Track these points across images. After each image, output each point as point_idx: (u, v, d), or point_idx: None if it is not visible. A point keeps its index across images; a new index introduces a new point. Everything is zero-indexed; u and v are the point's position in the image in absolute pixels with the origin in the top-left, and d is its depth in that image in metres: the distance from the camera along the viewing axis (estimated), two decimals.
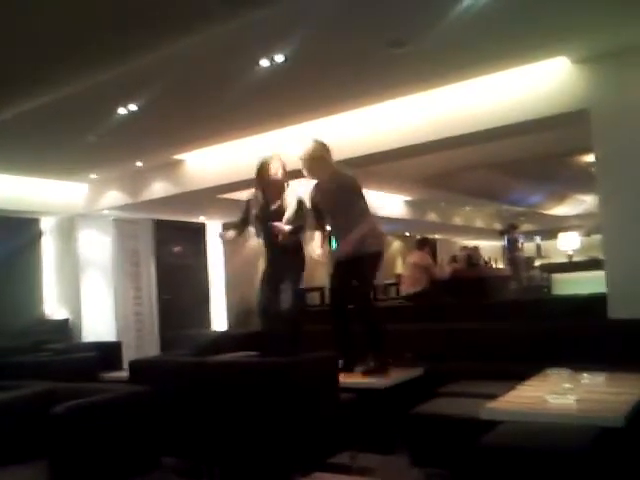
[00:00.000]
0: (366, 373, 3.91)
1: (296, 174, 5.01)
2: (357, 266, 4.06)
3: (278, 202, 4.18)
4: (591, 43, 4.22)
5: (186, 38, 3.63)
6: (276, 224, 4.02)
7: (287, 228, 4.02)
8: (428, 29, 3.77)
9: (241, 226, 4.39)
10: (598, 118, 4.35)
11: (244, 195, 7.40)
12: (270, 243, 4.26)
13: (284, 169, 4.18)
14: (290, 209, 4.09)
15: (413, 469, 3.33)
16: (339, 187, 4.04)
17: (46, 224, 8.34)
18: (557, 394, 2.53)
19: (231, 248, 10.20)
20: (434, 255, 7.83)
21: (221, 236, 4.50)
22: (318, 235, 4.27)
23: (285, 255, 4.20)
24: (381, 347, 4.05)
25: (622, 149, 4.28)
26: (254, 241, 4.59)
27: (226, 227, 4.40)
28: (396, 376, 3.91)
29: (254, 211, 4.26)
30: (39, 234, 8.25)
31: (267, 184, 4.19)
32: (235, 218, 4.45)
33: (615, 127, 4.31)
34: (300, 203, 4.15)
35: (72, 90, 4.34)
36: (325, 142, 4.10)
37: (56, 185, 7.65)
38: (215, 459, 3.25)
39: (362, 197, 4.10)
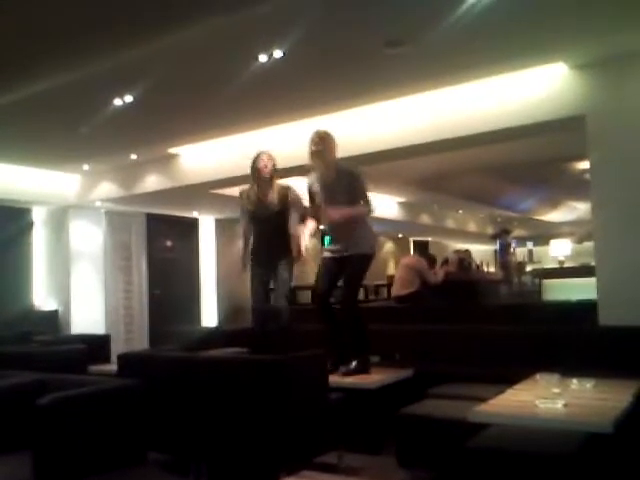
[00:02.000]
0: (347, 374, 3.88)
1: (289, 172, 5.03)
2: (348, 266, 4.02)
3: (269, 197, 4.23)
4: (588, 49, 4.23)
5: (185, 30, 3.60)
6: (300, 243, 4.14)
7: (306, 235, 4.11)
8: (426, 30, 3.77)
9: (246, 242, 4.41)
10: (594, 124, 4.36)
11: (237, 191, 7.41)
12: (264, 240, 4.27)
13: (273, 166, 4.24)
14: (293, 217, 4.18)
15: (400, 470, 3.33)
16: (344, 180, 3.97)
17: (37, 214, 8.28)
18: (546, 399, 2.53)
19: (223, 244, 10.18)
20: (433, 263, 7.75)
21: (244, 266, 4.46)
22: (307, 229, 4.17)
23: (275, 253, 4.22)
24: (364, 349, 4.03)
25: (617, 156, 4.29)
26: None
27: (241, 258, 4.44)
28: (385, 377, 3.90)
29: (248, 207, 4.29)
30: (30, 224, 8.19)
31: (258, 179, 4.26)
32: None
33: (611, 134, 4.32)
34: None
35: (66, 79, 4.30)
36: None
37: (48, 175, 7.58)
38: (202, 455, 3.23)
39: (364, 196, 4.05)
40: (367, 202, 4.00)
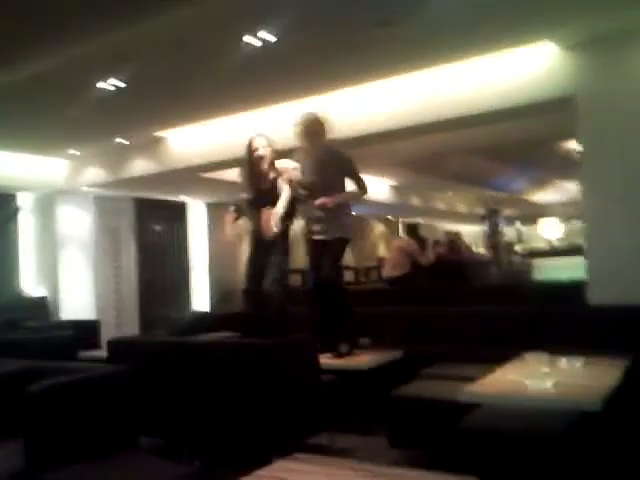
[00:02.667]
0: (338, 356, 3.92)
1: (279, 155, 4.97)
2: (329, 248, 4.07)
3: (267, 181, 4.06)
4: (578, 29, 4.20)
5: (172, 11, 3.54)
6: (268, 212, 3.90)
7: (278, 214, 3.89)
8: (415, 10, 3.72)
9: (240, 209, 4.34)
10: (585, 104, 4.33)
11: (227, 175, 7.31)
12: (257, 228, 4.21)
13: (270, 147, 4.05)
14: (284, 194, 3.95)
15: (391, 450, 3.36)
16: (331, 161, 4.02)
17: (24, 200, 8.17)
18: (535, 378, 2.55)
19: (215, 228, 10.13)
20: (423, 244, 7.78)
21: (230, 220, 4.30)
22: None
23: (271, 240, 4.16)
24: (350, 331, 4.08)
25: (607, 136, 4.28)
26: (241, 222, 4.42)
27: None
28: (376, 358, 3.92)
29: (244, 194, 4.16)
30: (15, 210, 8.09)
31: (253, 163, 4.08)
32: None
33: (601, 114, 4.30)
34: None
35: (51, 63, 4.22)
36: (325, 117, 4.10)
37: (34, 160, 7.47)
38: (194, 439, 3.24)
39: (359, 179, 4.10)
40: (362, 185, 4.12)
